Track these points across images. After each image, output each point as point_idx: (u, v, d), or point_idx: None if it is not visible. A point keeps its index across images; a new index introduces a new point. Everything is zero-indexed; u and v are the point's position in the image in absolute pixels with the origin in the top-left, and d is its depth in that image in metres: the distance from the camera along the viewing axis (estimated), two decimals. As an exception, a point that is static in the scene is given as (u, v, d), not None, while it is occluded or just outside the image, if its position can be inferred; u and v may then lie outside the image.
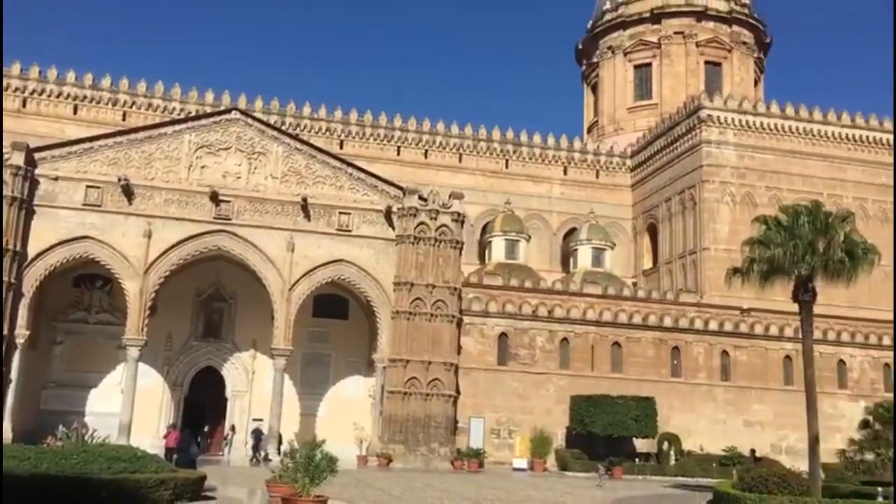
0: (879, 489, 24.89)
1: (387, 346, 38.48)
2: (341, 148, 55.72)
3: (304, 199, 38.48)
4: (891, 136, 56.04)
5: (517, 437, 40.18)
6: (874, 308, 51.72)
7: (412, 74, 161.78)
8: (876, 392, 44.41)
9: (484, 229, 57.03)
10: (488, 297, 43.57)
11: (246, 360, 41.32)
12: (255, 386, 40.86)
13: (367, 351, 41.40)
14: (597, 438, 38.95)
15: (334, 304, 42.54)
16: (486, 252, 55.38)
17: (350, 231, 39.08)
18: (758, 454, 40.28)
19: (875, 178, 55.05)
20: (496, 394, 41.23)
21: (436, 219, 39.16)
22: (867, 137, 55.48)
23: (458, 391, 39.20)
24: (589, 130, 71.87)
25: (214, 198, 37.64)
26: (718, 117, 53.87)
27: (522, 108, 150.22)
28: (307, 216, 38.75)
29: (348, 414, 39.89)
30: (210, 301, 41.59)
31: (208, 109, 49.55)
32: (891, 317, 52.18)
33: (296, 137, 42.30)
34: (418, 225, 38.91)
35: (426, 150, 59.15)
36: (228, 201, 38.00)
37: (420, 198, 39.44)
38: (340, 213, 39.13)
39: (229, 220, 37.94)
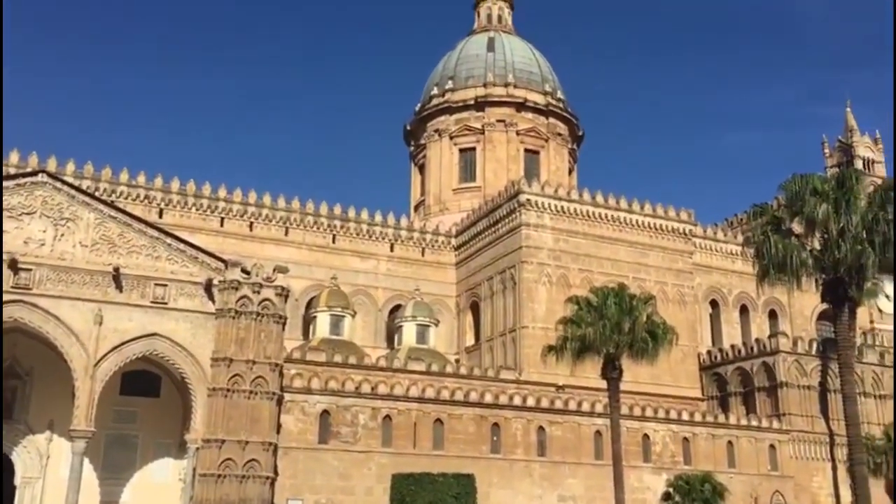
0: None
1: (201, 426, 36.48)
2: (161, 217, 53.53)
3: (116, 269, 36.33)
4: (687, 226, 61.38)
5: (336, 520, 39.03)
6: (674, 385, 55.64)
7: (239, 145, 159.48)
8: (676, 465, 47.23)
9: (309, 304, 56.25)
10: (311, 373, 42.67)
11: (41, 442, 37.70)
12: (49, 472, 37.24)
13: (180, 431, 39.08)
14: (417, 518, 38.52)
15: (145, 381, 40.01)
16: (311, 327, 54.53)
17: (166, 304, 37.20)
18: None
19: (673, 263, 59.86)
20: (316, 474, 40.02)
21: (259, 293, 38.15)
22: (667, 226, 60.38)
23: (276, 472, 37.67)
24: (416, 209, 73.63)
25: (13, 266, 34.71)
26: (537, 202, 56.82)
27: (351, 184, 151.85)
28: (119, 287, 36.52)
29: (156, 500, 37.29)
30: (1, 377, 37.84)
31: (12, 171, 46.27)
32: (688, 393, 56.33)
33: (110, 204, 40.13)
34: (240, 298, 37.72)
35: (251, 223, 58.02)
36: (30, 269, 35.12)
37: (243, 271, 38.37)
38: (156, 284, 37.23)
39: (29, 289, 34.99)
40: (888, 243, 21.38)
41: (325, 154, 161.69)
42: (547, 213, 56.95)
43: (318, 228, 60.02)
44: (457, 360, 56.81)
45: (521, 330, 54.09)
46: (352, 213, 61.57)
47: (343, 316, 53.92)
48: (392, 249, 62.05)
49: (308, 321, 55.44)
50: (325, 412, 41.23)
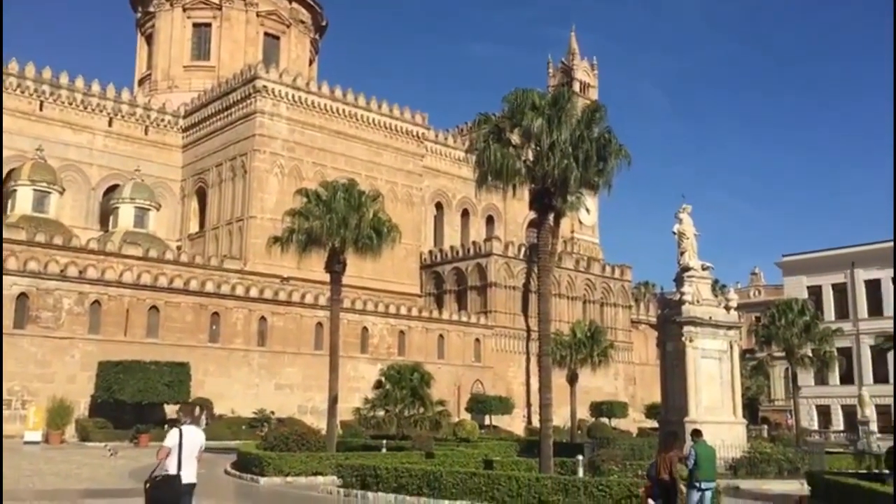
0: (384, 441, 28.13)
1: None
2: None
3: None
4: (420, 129, 63.07)
5: (31, 408, 36.39)
6: (396, 281, 58.15)
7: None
8: (391, 355, 49.84)
9: (8, 176, 50.35)
10: (8, 252, 38.64)
11: None
12: None
13: None
14: (125, 406, 37.16)
15: None
16: (10, 202, 49.05)
17: None
18: (284, 416, 42.36)
19: (405, 164, 61.56)
20: (9, 361, 36.76)
21: (-58, 158, 33.36)
22: (401, 128, 61.68)
23: (-40, 359, 34.11)
24: (141, 83, 67.96)
25: None
26: (273, 90, 55.00)
27: (66, 48, 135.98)
28: None
29: None
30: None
31: None
32: (408, 289, 59.20)
33: None
34: (-83, 163, 32.76)
35: (-65, 77, 50.09)
36: None
37: (-78, 131, 33.19)
38: None
39: None
40: (590, 160, 23.56)
41: (35, 8, 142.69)
42: (283, 102, 55.46)
43: (22, 93, 53.33)
44: (179, 248, 54.50)
45: (249, 220, 53.00)
46: (64, 80, 55.35)
47: (49, 192, 49.09)
48: (111, 124, 57.10)
49: (6, 196, 49.72)
50: (23, 295, 37.83)
